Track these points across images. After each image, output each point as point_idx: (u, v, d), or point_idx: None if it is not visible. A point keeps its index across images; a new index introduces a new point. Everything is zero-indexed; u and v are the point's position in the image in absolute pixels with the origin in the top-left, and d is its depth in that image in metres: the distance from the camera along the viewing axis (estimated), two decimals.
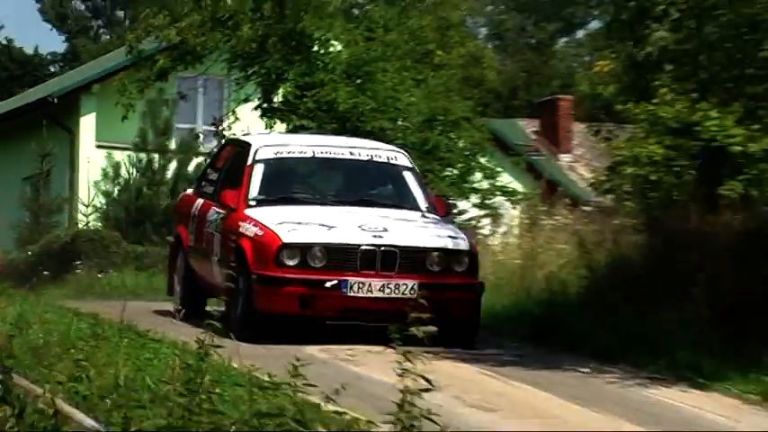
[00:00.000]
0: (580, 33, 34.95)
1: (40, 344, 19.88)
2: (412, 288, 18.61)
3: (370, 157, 21.74)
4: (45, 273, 40.50)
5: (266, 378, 13.78)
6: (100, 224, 46.43)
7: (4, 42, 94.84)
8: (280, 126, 40.66)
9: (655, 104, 27.20)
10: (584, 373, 23.20)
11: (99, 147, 50.24)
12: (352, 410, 13.70)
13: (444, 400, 16.18)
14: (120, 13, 77.88)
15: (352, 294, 18.52)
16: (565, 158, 49.33)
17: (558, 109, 53.19)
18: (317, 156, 21.59)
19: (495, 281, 32.11)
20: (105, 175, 47.52)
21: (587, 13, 27.80)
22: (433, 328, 12.81)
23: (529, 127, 53.68)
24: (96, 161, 48.86)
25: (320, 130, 36.20)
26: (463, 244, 19.47)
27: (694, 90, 27.52)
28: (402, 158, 21.83)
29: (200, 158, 46.80)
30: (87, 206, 47.75)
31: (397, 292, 18.60)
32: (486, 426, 17.71)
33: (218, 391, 13.18)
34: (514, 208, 42.72)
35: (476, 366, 21.54)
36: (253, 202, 20.42)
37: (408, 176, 21.35)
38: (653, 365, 23.17)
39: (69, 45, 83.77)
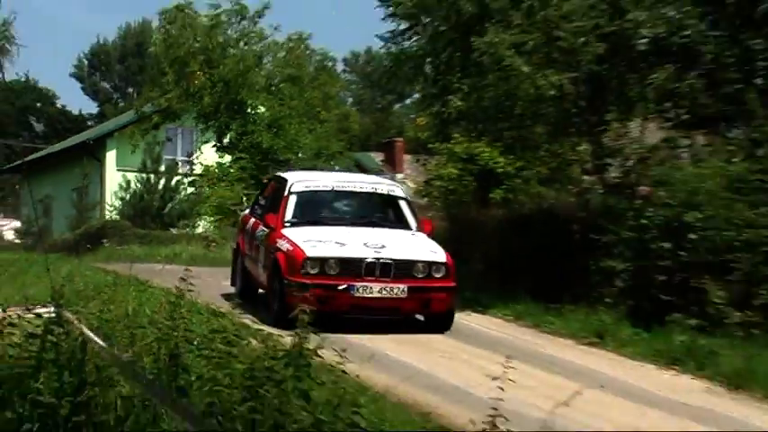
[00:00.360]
0: (408, 101, 35.33)
1: (81, 289, 19.08)
2: (402, 290, 18.25)
3: (374, 190, 21.14)
4: (86, 246, 39.31)
5: (217, 307, 14.20)
6: (118, 217, 45.41)
7: (60, 107, 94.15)
8: (227, 158, 42.03)
9: (451, 144, 27.39)
10: None
11: (118, 170, 49.71)
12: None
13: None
14: (130, 89, 77.15)
15: (358, 295, 17.99)
16: (399, 176, 47.91)
17: (395, 146, 51.56)
18: (335, 189, 20.87)
19: None
20: (121, 187, 47.08)
21: (412, 89, 27.98)
22: None
23: (377, 157, 52.20)
24: (115, 179, 48.64)
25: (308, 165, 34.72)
26: (441, 256, 18.66)
27: (475, 135, 27.54)
28: (398, 190, 21.24)
29: (179, 177, 47.65)
30: (110, 206, 47.50)
31: (391, 293, 18.17)
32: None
33: (188, 317, 12.32)
34: None
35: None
36: (287, 224, 19.58)
37: (403, 204, 20.69)
38: None
39: (99, 109, 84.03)
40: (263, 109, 41.69)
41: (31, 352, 8.98)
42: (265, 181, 24.03)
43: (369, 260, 18.24)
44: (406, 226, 20.14)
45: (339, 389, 9.66)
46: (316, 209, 20.41)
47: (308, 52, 42.37)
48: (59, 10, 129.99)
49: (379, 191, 20.97)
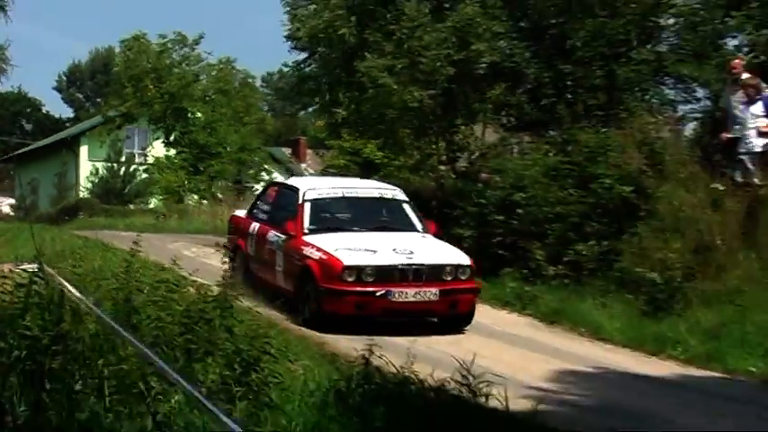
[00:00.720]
0: (310, 109, 35.34)
1: (59, 250, 18.83)
2: (435, 293, 14.91)
3: (380, 195, 17.47)
4: (64, 218, 38.58)
5: (162, 263, 13.16)
6: (89, 196, 45.53)
7: (45, 113, 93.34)
8: (172, 151, 41.20)
9: (341, 141, 27.53)
10: None
11: (89, 161, 49.39)
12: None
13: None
14: (99, 99, 75.97)
15: (394, 300, 14.69)
16: (303, 165, 47.66)
17: (300, 143, 50.73)
18: (345, 195, 17.17)
19: None
20: (91, 173, 47.47)
21: (312, 101, 28.03)
22: None
23: (287, 151, 51.70)
24: (87, 167, 48.79)
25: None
26: (465, 259, 15.50)
27: (358, 135, 27.75)
28: (400, 194, 17.50)
29: (135, 165, 47.45)
30: (83, 188, 47.56)
31: (425, 296, 14.85)
32: None
33: (140, 271, 11.81)
34: None
35: None
36: (308, 231, 15.94)
37: (407, 207, 17.11)
38: None
39: (75, 114, 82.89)
40: (199, 114, 41.23)
41: (20, 298, 8.84)
42: (264, 187, 18.94)
43: (402, 266, 14.89)
44: (414, 228, 16.72)
45: (254, 324, 9.64)
46: (331, 216, 16.83)
47: (233, 72, 42.15)
48: (43, 36, 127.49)
49: (384, 195, 17.41)
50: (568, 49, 20.99)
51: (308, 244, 15.51)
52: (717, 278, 14.54)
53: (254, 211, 18.21)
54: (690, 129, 21.12)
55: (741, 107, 16.24)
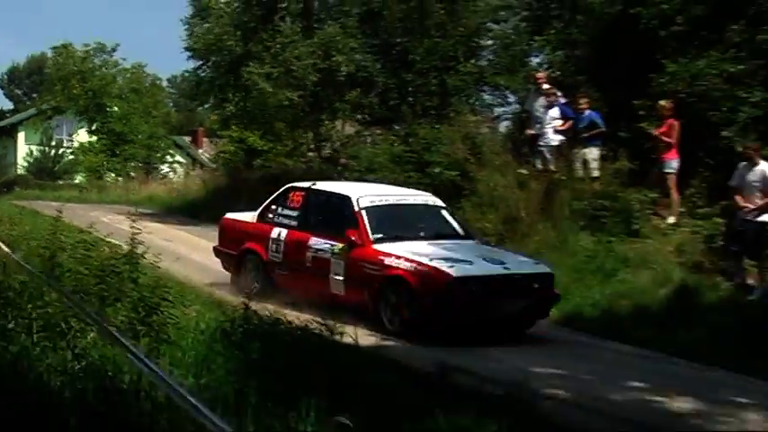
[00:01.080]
0: (206, 105, 34.43)
1: None
2: (527, 302, 11.72)
3: (424, 202, 13.62)
4: (4, 190, 36.39)
5: (82, 228, 13.05)
6: (25, 173, 43.69)
7: None
8: (94, 138, 40.11)
9: (231, 131, 27.04)
10: None
11: (26, 144, 46.50)
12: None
13: None
14: (34, 95, 73.10)
15: (494, 310, 11.51)
16: (200, 151, 46.51)
17: (198, 132, 49.67)
18: (392, 203, 13.13)
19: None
20: (27, 154, 45.35)
21: (208, 99, 27.43)
22: None
23: (187, 139, 50.71)
24: (24, 150, 46.30)
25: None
26: (546, 268, 12.18)
27: (244, 126, 27.09)
28: (438, 201, 13.70)
29: (63, 149, 45.92)
30: (21, 166, 45.58)
31: (518, 305, 11.63)
32: None
33: (64, 233, 11.60)
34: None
35: None
36: (376, 240, 12.16)
37: (446, 213, 13.47)
38: None
39: (15, 106, 79.75)
40: (116, 108, 39.89)
41: None
42: (282, 191, 13.92)
43: (502, 276, 11.63)
44: (464, 235, 13.08)
45: (156, 277, 9.46)
46: (390, 223, 12.84)
47: (144, 74, 41.30)
48: None
49: (428, 203, 13.70)
50: (410, 62, 21.15)
51: (386, 253, 11.92)
52: (521, 243, 14.47)
53: (270, 215, 13.65)
54: (503, 126, 21.37)
55: (542, 110, 16.26)
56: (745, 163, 12.77)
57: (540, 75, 17.00)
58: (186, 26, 24.45)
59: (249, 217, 14.03)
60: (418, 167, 17.80)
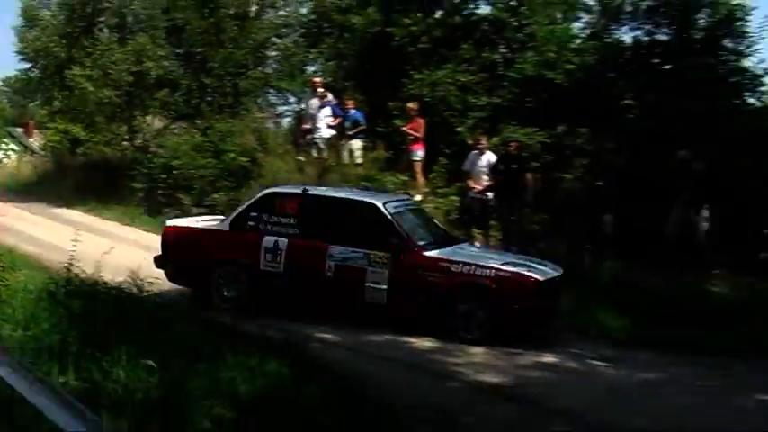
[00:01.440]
0: (37, 102, 30.59)
1: None
2: (557, 300, 9.42)
3: (417, 206, 11.44)
4: None
5: None
6: None
7: None
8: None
9: (57, 124, 24.42)
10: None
11: None
12: None
13: None
14: None
15: (553, 312, 9.48)
16: (31, 140, 42.13)
17: (29, 125, 42.45)
18: (406, 208, 10.32)
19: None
20: None
21: (37, 98, 25.20)
22: None
23: (21, 130, 46.67)
24: None
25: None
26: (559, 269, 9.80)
27: (68, 119, 24.11)
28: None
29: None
30: None
31: (558, 306, 9.52)
32: None
33: None
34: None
35: None
36: (424, 247, 9.54)
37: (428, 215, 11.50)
38: None
39: None
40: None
41: None
42: (262, 197, 10.45)
43: (560, 277, 9.59)
44: (456, 238, 10.82)
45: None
46: (421, 229, 10.21)
47: None
48: None
49: (419, 207, 11.57)
50: (208, 68, 20.70)
51: (449, 260, 9.38)
52: None
53: (251, 223, 10.18)
54: (285, 122, 21.43)
55: (316, 109, 15.97)
56: (475, 152, 13.18)
57: (315, 80, 16.77)
58: (18, 34, 23.30)
59: (199, 223, 10.88)
60: (215, 155, 17.19)
